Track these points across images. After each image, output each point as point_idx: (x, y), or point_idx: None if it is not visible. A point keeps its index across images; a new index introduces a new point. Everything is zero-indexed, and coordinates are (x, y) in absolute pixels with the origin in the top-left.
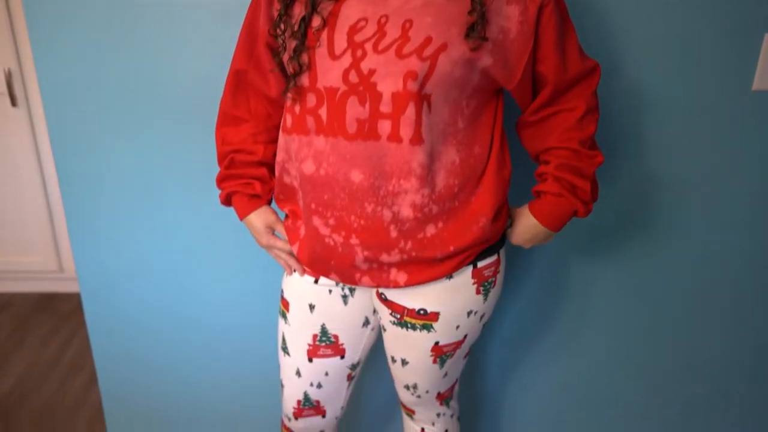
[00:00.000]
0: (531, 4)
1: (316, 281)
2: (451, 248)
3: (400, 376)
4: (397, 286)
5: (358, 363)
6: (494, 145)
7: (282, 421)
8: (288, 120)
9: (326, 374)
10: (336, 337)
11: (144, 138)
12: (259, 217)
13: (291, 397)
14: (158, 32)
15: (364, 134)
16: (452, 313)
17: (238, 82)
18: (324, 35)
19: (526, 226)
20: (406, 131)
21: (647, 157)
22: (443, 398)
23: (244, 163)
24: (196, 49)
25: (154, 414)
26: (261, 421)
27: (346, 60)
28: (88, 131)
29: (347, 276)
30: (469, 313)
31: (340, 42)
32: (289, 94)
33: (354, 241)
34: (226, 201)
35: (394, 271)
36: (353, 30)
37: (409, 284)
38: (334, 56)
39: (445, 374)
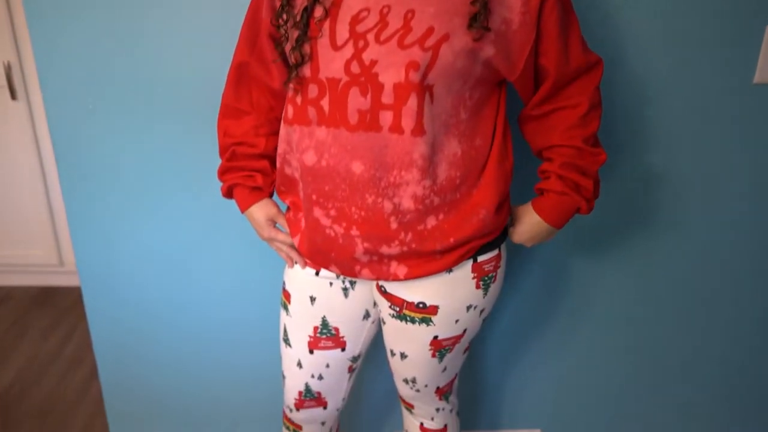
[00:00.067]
0: None
1: (317, 273)
2: (451, 240)
3: (399, 369)
4: (396, 279)
5: (359, 355)
6: (496, 136)
7: (283, 412)
8: (289, 111)
9: (327, 366)
10: (336, 329)
11: (144, 131)
12: (261, 210)
13: (292, 388)
14: (159, 25)
15: (366, 125)
16: (451, 307)
17: (240, 75)
18: (326, 25)
19: (530, 224)
20: (407, 122)
21: (647, 151)
22: (442, 393)
23: (246, 155)
24: (197, 43)
25: (154, 407)
26: (262, 412)
27: (348, 50)
28: (88, 124)
29: (347, 268)
30: (468, 308)
31: (342, 32)
32: (291, 85)
33: (354, 232)
34: (228, 193)
35: (394, 264)
36: (355, 20)
37: (408, 277)
38: (335, 47)
39: (444, 369)
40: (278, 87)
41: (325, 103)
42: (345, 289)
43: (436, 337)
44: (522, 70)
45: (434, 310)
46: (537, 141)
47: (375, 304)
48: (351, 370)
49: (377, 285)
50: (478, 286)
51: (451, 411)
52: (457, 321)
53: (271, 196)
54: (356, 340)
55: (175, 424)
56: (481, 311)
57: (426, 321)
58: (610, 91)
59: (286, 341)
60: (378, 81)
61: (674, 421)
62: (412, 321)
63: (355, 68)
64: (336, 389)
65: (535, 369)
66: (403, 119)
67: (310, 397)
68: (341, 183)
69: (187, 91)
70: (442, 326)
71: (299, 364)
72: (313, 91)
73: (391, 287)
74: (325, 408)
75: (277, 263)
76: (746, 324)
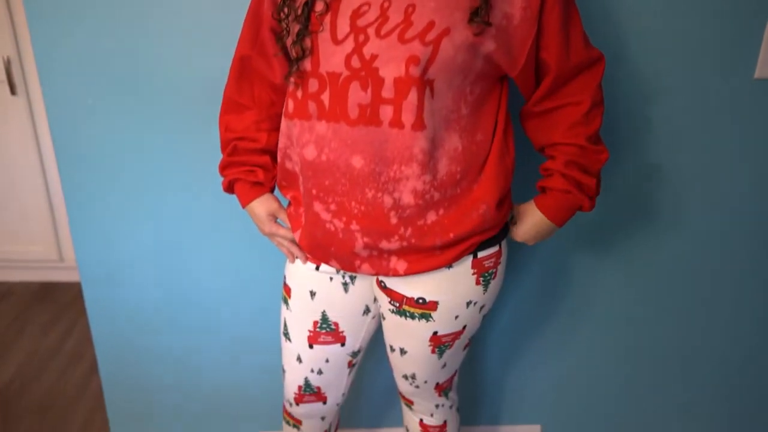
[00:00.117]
0: None
1: (317, 268)
2: (451, 235)
3: (399, 365)
4: (396, 274)
5: (359, 351)
6: (497, 132)
7: (284, 407)
8: (290, 105)
9: (327, 361)
10: (336, 324)
11: (144, 126)
12: (262, 205)
13: (292, 382)
14: (159, 20)
15: (366, 120)
16: (451, 302)
17: (242, 69)
18: (327, 20)
19: (533, 222)
20: (408, 117)
21: (648, 147)
22: (442, 389)
23: (247, 150)
24: (197, 37)
25: (155, 402)
26: (263, 407)
27: (349, 45)
28: (87, 119)
29: (347, 263)
30: (468, 304)
31: (343, 26)
32: (292, 79)
33: (354, 227)
34: (229, 188)
35: (394, 259)
36: (356, 14)
37: (408, 273)
38: (336, 41)
39: (444, 365)
40: (279, 81)
41: (325, 97)
42: (345, 284)
43: (435, 333)
44: (523, 65)
45: (434, 305)
46: (539, 138)
47: (375, 299)
48: (351, 365)
49: (377, 280)
50: (478, 282)
51: (450, 407)
52: (456, 317)
53: (272, 191)
54: (356, 335)
55: (175, 419)
56: (481, 307)
57: (426, 317)
58: (610, 87)
59: (286, 335)
60: (378, 75)
61: (674, 421)
62: (412, 316)
63: (355, 62)
64: (336, 384)
65: (535, 366)
66: (404, 114)
67: (309, 392)
68: (341, 177)
69: (187, 87)
70: (442, 322)
71: (299, 359)
72: (313, 85)
73: (391, 282)
74: (324, 403)
75: (276, 261)
76: (746, 324)
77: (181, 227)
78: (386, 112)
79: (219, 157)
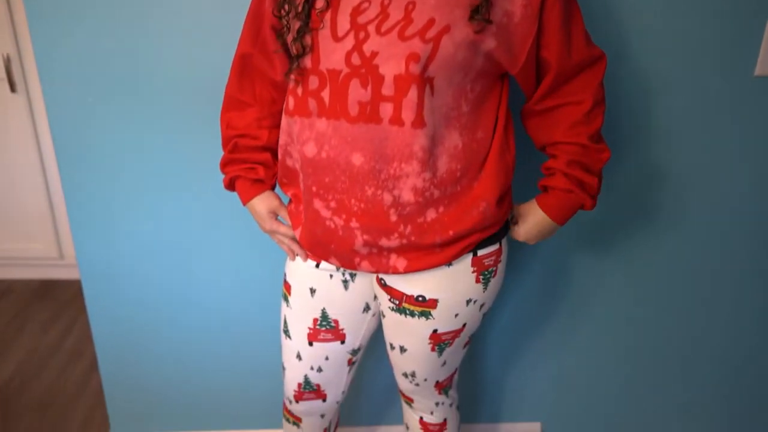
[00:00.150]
0: None
1: (317, 265)
2: (451, 233)
3: (399, 363)
4: (396, 272)
5: (359, 348)
6: (498, 129)
7: (284, 404)
8: (290, 102)
9: (326, 358)
10: (336, 321)
11: (144, 123)
12: (262, 202)
13: (292, 380)
14: (159, 17)
15: (366, 117)
16: (451, 300)
17: (243, 66)
18: (327, 17)
19: (536, 222)
20: (407, 114)
21: (647, 145)
22: (442, 387)
23: (248, 147)
24: (198, 34)
25: (155, 400)
26: (263, 404)
27: (349, 42)
28: (87, 117)
29: (347, 260)
30: (468, 302)
31: (343, 24)
32: (292, 76)
33: (354, 224)
34: (230, 186)
35: (393, 257)
36: (356, 11)
37: (408, 270)
38: (336, 38)
39: (444, 363)
40: (280, 79)
41: (325, 94)
42: (345, 282)
43: (435, 331)
44: (524, 63)
45: (434, 303)
46: (540, 136)
47: (375, 297)
48: (351, 363)
49: (377, 278)
50: (478, 281)
51: (450, 405)
52: (456, 315)
53: (273, 188)
54: (356, 333)
55: (175, 416)
56: (481, 306)
57: (425, 314)
58: (610, 85)
59: (286, 333)
60: (378, 73)
61: (674, 421)
62: (412, 314)
63: (355, 60)
64: (335, 382)
65: (535, 365)
66: (404, 111)
67: (309, 389)
68: (341, 175)
69: (188, 84)
70: (442, 320)
71: (299, 356)
72: (313, 82)
73: (391, 280)
74: (324, 400)
75: (277, 259)
76: (746, 324)
77: (181, 224)
78: (386, 109)
79: (219, 155)
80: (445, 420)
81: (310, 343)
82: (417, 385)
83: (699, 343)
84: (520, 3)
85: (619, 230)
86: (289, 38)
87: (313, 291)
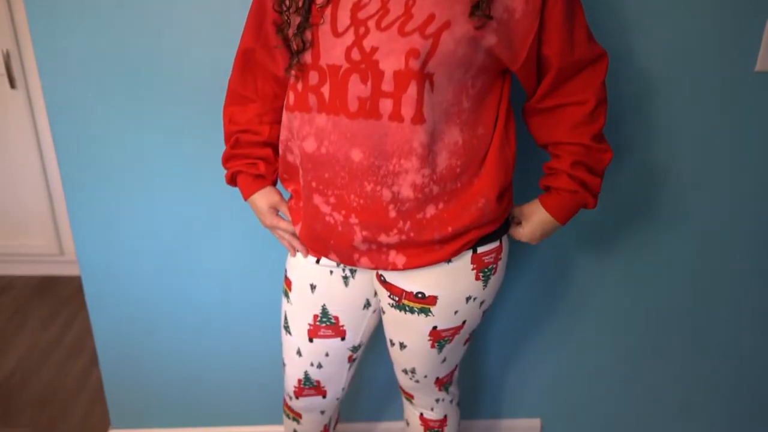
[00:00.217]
0: None
1: (317, 261)
2: (449, 229)
3: (399, 359)
4: (395, 268)
5: (359, 345)
6: (498, 125)
7: (284, 400)
8: (290, 97)
9: (326, 355)
10: (336, 318)
11: (144, 119)
12: (263, 198)
13: (292, 376)
14: (159, 13)
15: (366, 113)
16: (451, 297)
17: (246, 61)
18: (327, 12)
19: (540, 222)
20: (407, 110)
21: (648, 143)
22: (442, 384)
23: (250, 143)
24: (198, 31)
25: (155, 395)
26: (263, 400)
27: (349, 37)
28: (87, 113)
29: (346, 256)
30: (468, 299)
31: (343, 19)
32: (292, 71)
33: (353, 220)
34: (231, 181)
35: (393, 254)
36: (357, 7)
37: (407, 267)
38: (337, 33)
39: (444, 359)
40: (283, 74)
41: (325, 90)
42: (345, 278)
43: (435, 328)
44: (525, 60)
45: (433, 300)
46: (542, 135)
47: (375, 293)
48: (351, 359)
49: (377, 274)
50: (477, 278)
51: (451, 402)
52: (456, 312)
53: (274, 184)
54: (356, 329)
55: (175, 411)
56: (481, 303)
57: (425, 311)
58: (611, 83)
59: (287, 329)
60: (378, 68)
61: (674, 421)
62: (411, 311)
63: (355, 55)
64: (336, 378)
65: (535, 363)
66: (403, 107)
67: (309, 386)
68: (340, 170)
69: (188, 81)
70: (441, 317)
71: (299, 352)
72: (313, 77)
73: (391, 276)
74: (324, 397)
75: (277, 256)
76: (746, 324)
77: (181, 220)
78: (386, 105)
79: (219, 152)
80: (445, 416)
81: (311, 340)
82: (417, 381)
83: (699, 343)
84: None
85: (619, 230)
86: (290, 33)
87: (313, 287)
